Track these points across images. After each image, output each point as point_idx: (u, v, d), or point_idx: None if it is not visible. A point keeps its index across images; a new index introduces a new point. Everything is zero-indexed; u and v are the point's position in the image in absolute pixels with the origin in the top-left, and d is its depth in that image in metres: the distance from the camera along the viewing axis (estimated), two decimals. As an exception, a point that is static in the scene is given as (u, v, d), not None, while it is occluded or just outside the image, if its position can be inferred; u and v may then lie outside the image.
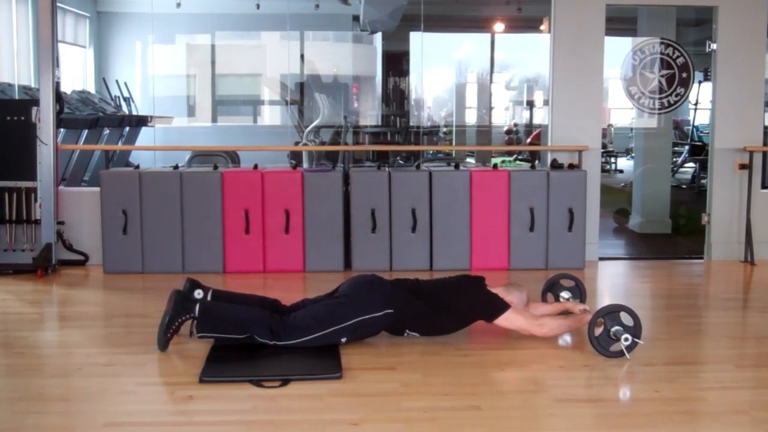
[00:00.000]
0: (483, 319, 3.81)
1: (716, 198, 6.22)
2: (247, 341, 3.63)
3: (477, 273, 4.14)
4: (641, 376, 3.39)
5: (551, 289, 4.35)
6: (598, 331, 3.58)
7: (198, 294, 3.82)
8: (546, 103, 6.97)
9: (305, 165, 7.10)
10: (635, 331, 3.56)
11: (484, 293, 3.84)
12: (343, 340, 3.68)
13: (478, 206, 5.67)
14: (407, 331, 3.81)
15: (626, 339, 3.53)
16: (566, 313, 4.01)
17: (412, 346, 3.85)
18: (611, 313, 3.58)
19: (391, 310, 3.70)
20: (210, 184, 5.61)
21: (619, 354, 3.54)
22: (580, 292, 4.28)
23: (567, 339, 4.01)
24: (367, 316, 3.67)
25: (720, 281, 5.70)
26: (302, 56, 9.50)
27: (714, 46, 6.15)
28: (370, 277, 3.89)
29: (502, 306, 3.77)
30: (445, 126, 10.55)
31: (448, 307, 3.81)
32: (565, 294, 4.24)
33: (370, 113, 10.31)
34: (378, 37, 10.04)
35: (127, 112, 8.99)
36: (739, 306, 4.93)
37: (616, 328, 3.54)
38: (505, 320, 3.76)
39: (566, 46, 6.06)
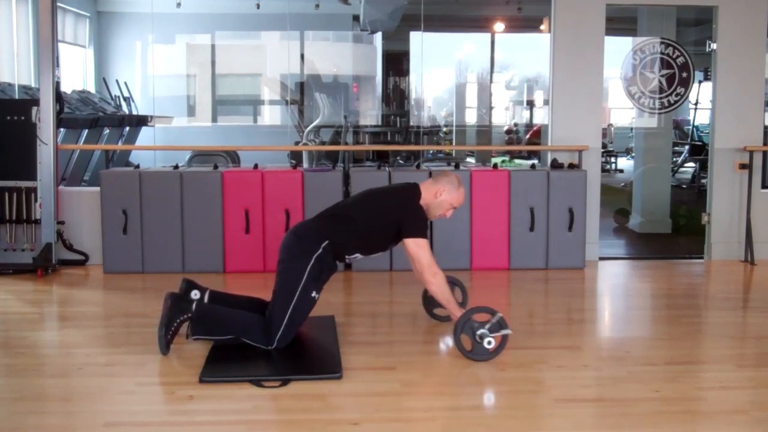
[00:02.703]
0: (401, 235, 3.72)
1: (716, 198, 6.22)
2: (243, 344, 3.62)
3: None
4: (641, 376, 3.39)
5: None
6: (468, 340, 3.55)
7: (195, 295, 3.78)
8: (546, 102, 6.96)
9: (305, 165, 7.10)
10: (499, 326, 3.51)
11: (415, 211, 3.76)
12: (314, 295, 3.63)
13: (478, 206, 5.67)
14: (347, 256, 3.77)
15: (489, 342, 3.47)
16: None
17: (412, 345, 3.86)
18: (468, 321, 3.54)
19: (327, 241, 3.65)
20: (210, 184, 5.61)
21: (486, 353, 3.50)
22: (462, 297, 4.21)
23: (567, 339, 4.01)
24: (312, 262, 3.61)
25: (720, 281, 5.69)
26: (302, 56, 9.50)
27: (714, 46, 6.15)
28: (291, 231, 3.83)
29: (420, 232, 3.71)
30: (445, 126, 10.53)
31: (376, 226, 3.76)
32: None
33: (370, 113, 10.30)
34: (378, 37, 10.03)
35: (127, 112, 8.98)
36: (739, 306, 4.92)
37: (481, 331, 3.49)
38: (415, 244, 3.68)
39: (566, 46, 6.06)
